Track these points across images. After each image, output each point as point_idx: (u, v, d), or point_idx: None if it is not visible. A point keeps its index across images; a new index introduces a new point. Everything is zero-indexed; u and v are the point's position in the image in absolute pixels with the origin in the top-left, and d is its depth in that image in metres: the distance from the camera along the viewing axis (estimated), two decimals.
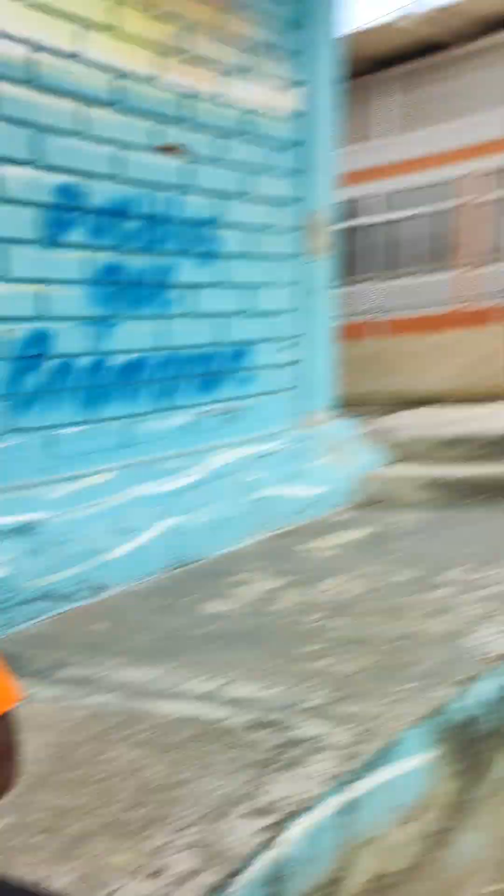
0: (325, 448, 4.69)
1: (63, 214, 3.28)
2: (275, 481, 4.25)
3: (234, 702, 2.20)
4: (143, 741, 2.00)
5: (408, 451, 5.09)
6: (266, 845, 1.55)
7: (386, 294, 8.37)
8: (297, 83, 4.48)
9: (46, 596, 3.19)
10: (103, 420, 3.51)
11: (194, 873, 1.46)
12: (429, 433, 5.34)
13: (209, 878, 1.44)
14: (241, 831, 1.58)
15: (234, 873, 1.47)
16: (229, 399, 4.17)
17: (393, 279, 8.43)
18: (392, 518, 4.32)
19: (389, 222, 8.30)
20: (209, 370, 4.04)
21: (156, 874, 1.47)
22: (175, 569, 3.69)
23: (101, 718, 2.18)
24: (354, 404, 5.52)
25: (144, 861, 1.52)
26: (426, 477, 4.71)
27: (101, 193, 3.42)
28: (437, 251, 8.16)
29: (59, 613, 3.14)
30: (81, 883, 1.44)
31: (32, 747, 1.99)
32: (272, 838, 1.56)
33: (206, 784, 1.77)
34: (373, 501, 4.67)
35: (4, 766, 1.13)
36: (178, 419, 3.88)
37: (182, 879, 1.44)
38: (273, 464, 4.31)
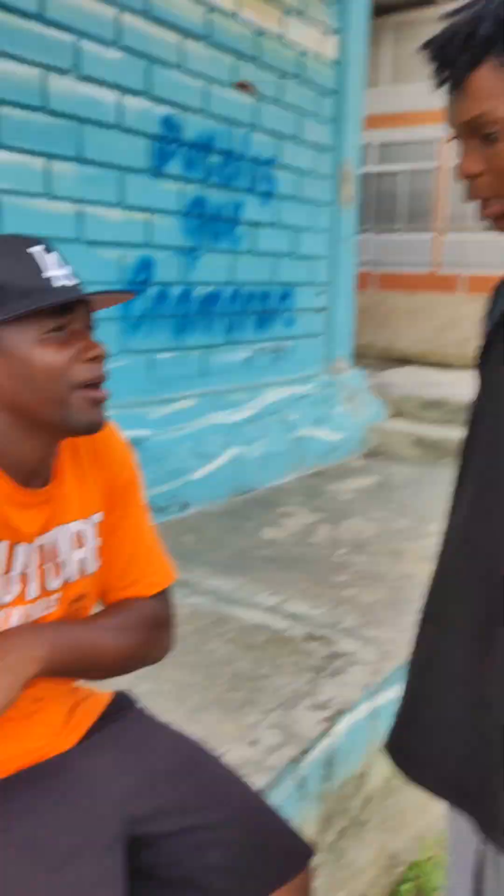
0: (344, 396, 4.99)
1: (165, 146, 3.40)
2: (309, 423, 4.53)
3: (293, 616, 2.57)
4: (232, 639, 2.38)
5: (399, 408, 5.46)
6: (324, 733, 1.91)
7: (378, 248, 8.54)
8: (336, 30, 4.66)
9: (153, 505, 3.40)
10: (188, 348, 3.68)
11: (279, 746, 1.84)
12: (415, 392, 5.70)
13: (289, 751, 1.81)
14: (307, 720, 1.96)
15: (305, 751, 1.84)
16: (277, 339, 4.40)
17: (384, 233, 8.58)
18: (390, 470, 4.70)
19: (381, 175, 8.50)
20: (263, 308, 4.25)
21: (252, 744, 1.84)
22: (237, 495, 3.95)
23: (199, 616, 2.55)
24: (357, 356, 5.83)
25: (244, 733, 1.88)
26: (415, 434, 5.09)
27: (192, 127, 3.54)
28: (420, 211, 8.38)
29: (157, 524, 3.36)
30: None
31: None
32: (328, 728, 1.93)
33: (279, 680, 2.15)
34: (376, 452, 5.04)
35: (166, 632, 1.40)
36: (241, 354, 4.09)
37: (271, 750, 1.82)
38: (307, 406, 4.59)
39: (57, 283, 1.05)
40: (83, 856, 1.05)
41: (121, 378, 3.28)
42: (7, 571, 1.10)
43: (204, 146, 3.62)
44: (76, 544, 1.19)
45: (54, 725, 1.23)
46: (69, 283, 1.07)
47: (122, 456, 1.28)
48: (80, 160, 3.00)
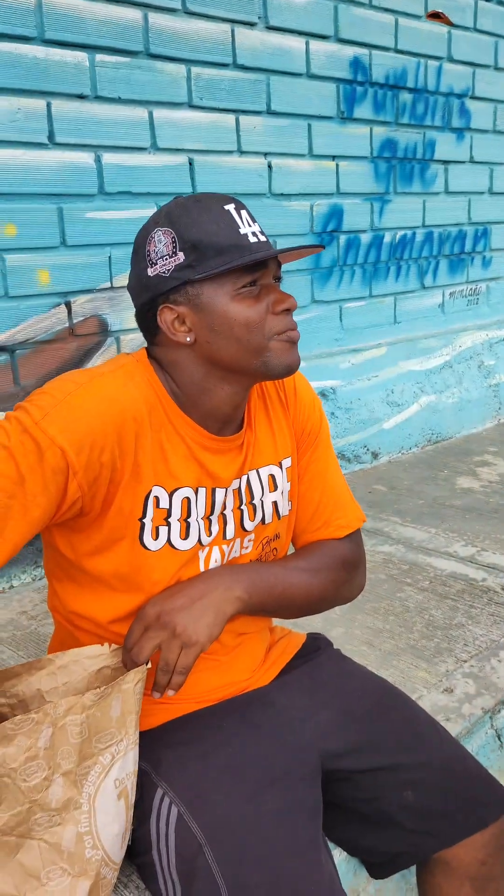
0: None
1: (354, 89, 3.33)
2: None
3: (490, 567, 2.48)
4: (425, 588, 2.35)
5: None
6: None
7: None
8: None
9: (340, 456, 3.43)
10: (378, 296, 3.63)
11: (474, 696, 1.78)
12: None
13: (485, 701, 1.76)
14: (503, 672, 1.88)
15: (502, 702, 1.79)
16: (472, 282, 4.23)
17: None
18: None
19: None
20: (457, 251, 4.09)
21: (448, 691, 1.80)
22: (429, 444, 3.87)
23: (392, 565, 2.53)
24: None
25: (439, 680, 1.84)
26: None
27: (381, 66, 3.44)
28: None
29: (348, 473, 3.39)
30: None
31: None
32: None
33: (475, 630, 2.08)
34: None
35: (357, 573, 1.35)
36: (433, 299, 3.98)
37: (467, 699, 1.77)
38: (502, 352, 4.38)
39: (252, 240, 1.09)
40: (282, 785, 1.12)
41: (311, 329, 3.32)
42: (208, 514, 1.17)
43: (393, 85, 3.51)
44: (269, 487, 1.25)
45: (254, 660, 1.30)
46: (262, 239, 1.11)
47: (310, 402, 1.32)
48: (269, 113, 3.01)
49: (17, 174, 2.31)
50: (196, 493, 1.16)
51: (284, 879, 1.00)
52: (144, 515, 1.11)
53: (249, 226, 1.10)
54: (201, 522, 1.17)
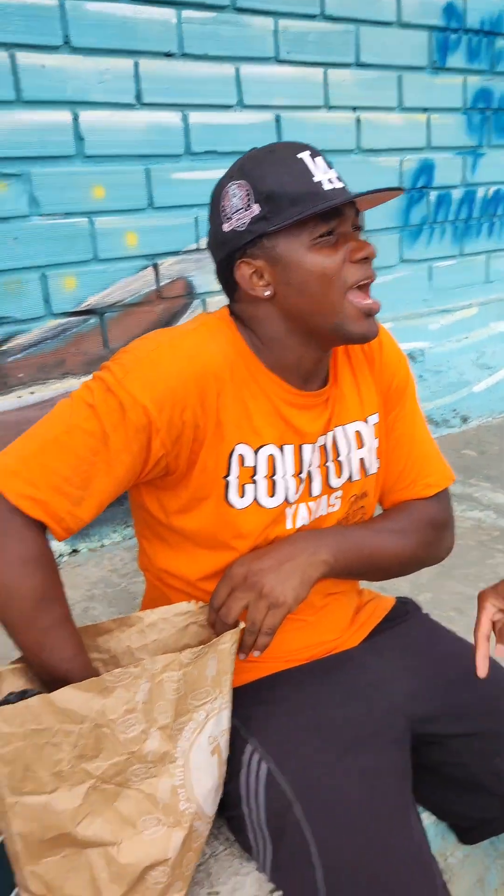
0: None
1: (447, 36, 3.19)
2: None
3: None
4: None
5: None
6: None
7: None
8: None
9: (428, 419, 3.36)
10: (469, 255, 3.52)
11: None
12: None
13: None
14: None
15: None
16: None
17: None
18: None
19: None
20: None
21: None
22: None
23: (481, 530, 2.47)
24: None
25: None
26: None
27: (476, 11, 3.28)
28: None
29: (436, 437, 3.32)
30: None
31: None
32: None
33: None
34: None
35: (445, 534, 1.30)
36: None
37: None
38: None
39: (327, 187, 1.05)
40: (371, 746, 1.11)
41: (399, 289, 3.25)
42: (298, 472, 1.16)
43: (489, 31, 3.35)
44: (356, 444, 1.23)
45: (342, 622, 1.30)
46: (338, 185, 1.07)
47: (396, 359, 1.29)
48: (358, 65, 2.92)
49: (105, 136, 2.31)
50: (281, 450, 1.15)
51: (374, 840, 1.00)
52: (229, 473, 1.11)
53: (325, 172, 1.06)
54: (290, 480, 1.16)
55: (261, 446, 1.13)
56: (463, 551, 2.31)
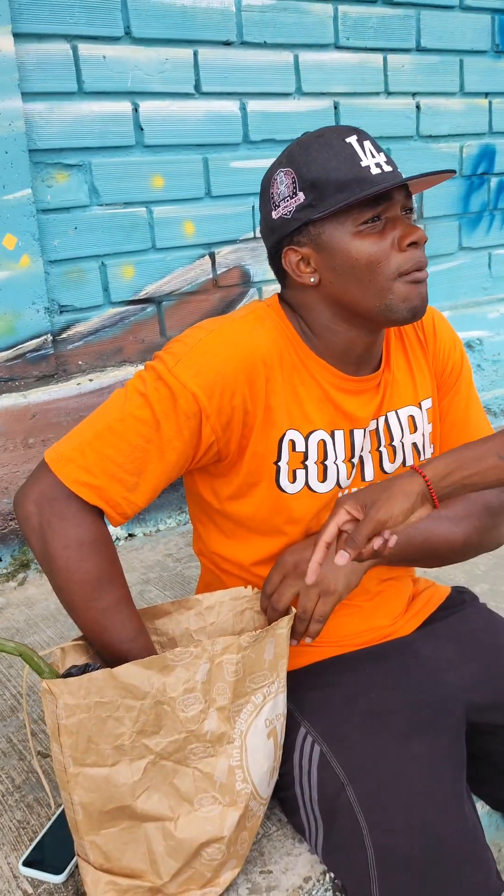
0: None
1: None
2: None
3: None
4: None
5: None
6: None
7: None
8: None
9: (486, 410, 3.32)
10: None
11: None
12: None
13: None
14: None
15: None
16: None
17: None
18: None
19: None
20: None
21: None
22: None
23: None
24: None
25: None
26: None
27: None
28: None
29: (495, 428, 3.27)
30: None
31: None
32: None
33: None
34: None
35: (502, 519, 1.27)
36: None
37: None
38: None
39: (374, 172, 1.04)
40: (426, 733, 1.12)
41: (458, 277, 3.21)
42: (349, 457, 1.17)
43: None
44: (409, 429, 1.22)
45: (397, 608, 1.30)
46: (387, 169, 1.06)
47: (451, 342, 1.27)
48: (418, 50, 2.88)
49: (165, 125, 2.33)
50: (332, 435, 1.15)
51: (427, 825, 1.01)
52: (279, 458, 1.12)
53: (373, 156, 1.05)
54: (342, 465, 1.16)
55: (311, 431, 1.14)
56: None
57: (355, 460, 1.18)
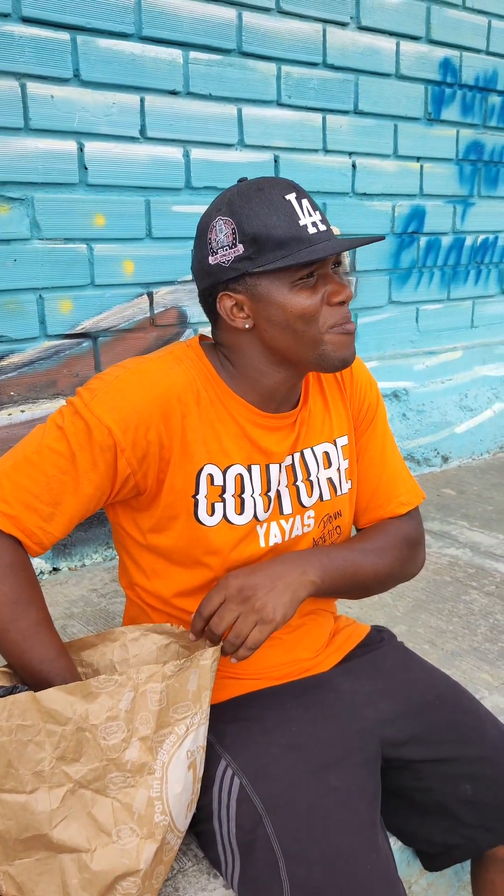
0: None
1: (442, 90, 3.31)
2: None
3: None
4: (491, 592, 2.34)
5: None
6: None
7: None
8: None
9: (409, 458, 3.42)
10: (456, 300, 3.61)
11: None
12: None
13: None
14: None
15: None
16: None
17: None
18: None
19: None
20: None
21: None
22: (501, 451, 3.83)
23: (457, 567, 2.53)
24: None
25: (501, 682, 1.84)
26: None
27: (471, 68, 3.41)
28: None
29: (416, 475, 3.38)
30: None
31: (413, 579, 2.36)
32: None
33: None
34: None
35: (420, 549, 1.37)
36: None
37: None
38: None
39: (311, 231, 1.10)
40: (342, 767, 1.14)
41: (387, 330, 3.33)
42: (265, 491, 1.21)
43: (483, 87, 3.48)
44: (324, 464, 1.28)
45: (318, 641, 1.33)
46: (322, 228, 1.11)
47: (366, 382, 1.35)
48: (356, 112, 3.03)
49: (109, 167, 2.38)
50: (249, 469, 1.20)
51: (342, 856, 1.03)
52: (197, 492, 1.16)
53: (310, 215, 1.10)
54: (258, 499, 1.20)
55: (229, 466, 1.18)
56: (438, 587, 2.36)
57: (272, 494, 1.22)
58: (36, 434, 1.12)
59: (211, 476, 1.16)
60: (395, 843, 1.33)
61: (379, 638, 1.43)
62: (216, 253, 1.13)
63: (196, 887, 1.18)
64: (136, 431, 1.10)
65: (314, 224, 1.10)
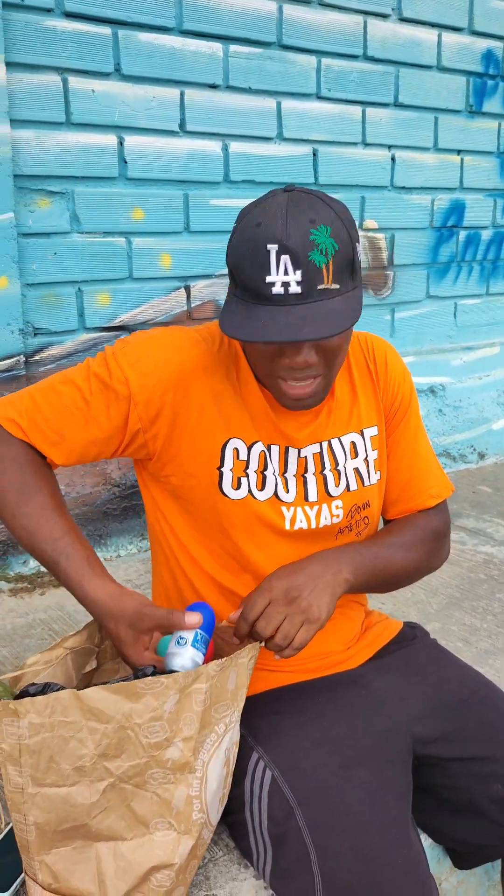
0: None
1: (484, 82, 3.27)
2: None
3: None
4: None
5: None
6: None
7: None
8: None
9: (445, 454, 3.40)
10: (495, 294, 3.57)
11: None
12: None
13: None
14: None
15: None
16: None
17: None
18: None
19: None
20: None
21: None
22: None
23: (492, 565, 2.51)
24: None
25: None
26: None
27: None
28: None
29: (452, 472, 3.35)
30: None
31: (447, 576, 2.43)
32: None
33: None
34: None
35: (446, 541, 1.37)
36: None
37: None
38: None
39: (276, 291, 1.01)
40: (372, 763, 1.14)
41: (424, 325, 3.30)
42: (283, 472, 1.22)
43: None
44: (351, 454, 1.28)
45: (349, 634, 1.34)
46: (294, 290, 1.01)
47: (400, 375, 1.34)
48: (396, 105, 3.00)
49: (148, 160, 2.39)
50: (269, 449, 1.21)
51: (372, 850, 1.03)
52: (222, 465, 1.19)
53: (285, 274, 1.00)
54: (278, 478, 1.22)
55: (254, 443, 1.20)
56: (473, 584, 2.35)
57: (289, 475, 1.22)
58: (71, 368, 1.19)
59: (237, 450, 1.19)
60: (426, 841, 1.33)
61: (412, 635, 1.42)
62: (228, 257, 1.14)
63: (227, 876, 1.19)
64: (153, 390, 1.14)
65: (284, 284, 1.00)
